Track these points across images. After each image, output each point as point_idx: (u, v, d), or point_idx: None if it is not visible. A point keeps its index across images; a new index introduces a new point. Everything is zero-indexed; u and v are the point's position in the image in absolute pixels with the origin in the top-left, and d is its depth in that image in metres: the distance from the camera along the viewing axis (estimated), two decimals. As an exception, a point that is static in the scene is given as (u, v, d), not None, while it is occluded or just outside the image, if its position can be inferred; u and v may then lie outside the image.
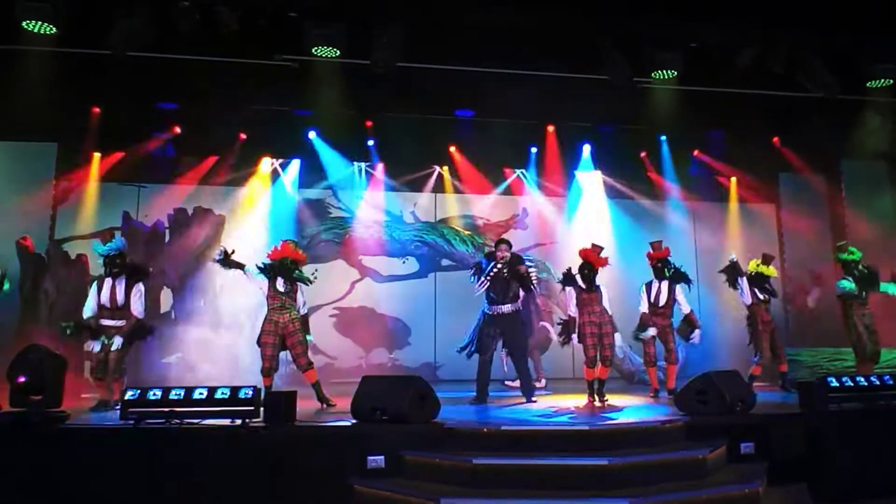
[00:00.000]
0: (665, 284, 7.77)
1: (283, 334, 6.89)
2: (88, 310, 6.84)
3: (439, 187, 11.64)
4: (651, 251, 7.96)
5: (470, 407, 6.80)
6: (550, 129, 10.89)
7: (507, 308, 7.19)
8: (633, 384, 9.80)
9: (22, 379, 5.25)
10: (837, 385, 5.88)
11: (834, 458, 5.39)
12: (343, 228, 11.26)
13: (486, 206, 11.79)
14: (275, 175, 11.17)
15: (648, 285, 7.89)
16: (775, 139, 10.99)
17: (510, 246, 7.49)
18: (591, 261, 7.42)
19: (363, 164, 11.36)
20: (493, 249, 7.53)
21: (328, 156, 10.92)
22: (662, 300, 7.75)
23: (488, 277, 7.22)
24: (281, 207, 11.13)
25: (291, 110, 9.81)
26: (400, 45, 7.65)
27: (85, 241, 10.23)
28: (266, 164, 11.09)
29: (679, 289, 7.77)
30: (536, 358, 8.90)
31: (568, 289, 7.46)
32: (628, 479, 4.69)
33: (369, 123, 10.42)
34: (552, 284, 11.24)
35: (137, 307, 6.89)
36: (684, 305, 7.74)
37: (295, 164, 11.17)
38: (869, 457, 5.47)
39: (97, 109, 9.57)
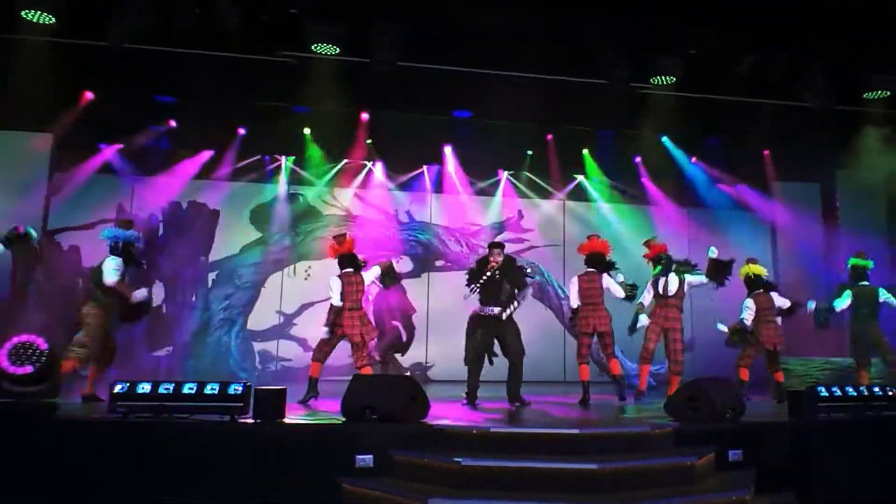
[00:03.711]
0: (672, 277, 7.57)
1: None
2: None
3: (435, 187, 11.66)
4: (648, 251, 7.80)
5: (460, 408, 6.79)
6: (548, 131, 10.90)
7: (497, 310, 7.15)
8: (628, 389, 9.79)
9: (29, 370, 5.23)
10: (827, 394, 5.89)
11: (822, 468, 5.40)
12: (338, 226, 11.24)
13: (482, 206, 11.81)
14: (271, 171, 11.17)
15: (655, 279, 7.63)
16: (771, 147, 11.05)
17: (503, 249, 7.40)
18: (599, 249, 7.63)
19: (360, 162, 11.36)
20: (487, 254, 7.37)
21: (324, 153, 10.91)
22: (672, 290, 7.54)
23: (479, 284, 7.11)
24: (276, 203, 11.12)
25: (289, 106, 9.79)
26: (401, 45, 7.65)
27: (78, 232, 10.23)
28: (262, 159, 11.09)
29: (689, 278, 7.64)
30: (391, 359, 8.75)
31: (572, 279, 7.62)
32: (617, 484, 4.68)
33: (367, 121, 10.42)
34: (546, 287, 11.28)
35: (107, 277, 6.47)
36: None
37: (291, 161, 11.16)
38: (857, 466, 5.48)
39: (93, 99, 9.53)
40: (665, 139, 11.04)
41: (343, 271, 7.24)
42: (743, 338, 7.85)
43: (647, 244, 7.96)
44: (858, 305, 7.72)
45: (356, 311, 7.14)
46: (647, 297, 7.66)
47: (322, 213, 11.35)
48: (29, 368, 5.23)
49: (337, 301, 7.12)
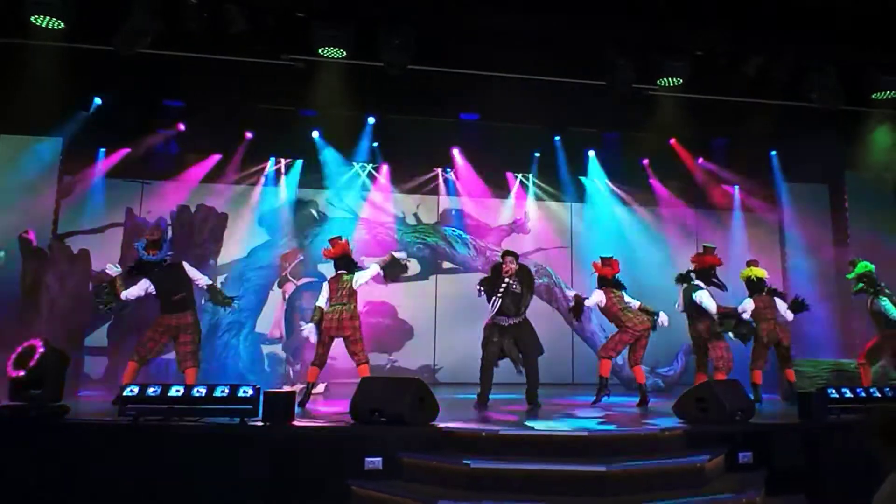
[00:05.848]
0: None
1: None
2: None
3: (442, 190, 11.66)
4: (705, 255, 7.82)
5: (469, 410, 6.79)
6: (555, 134, 10.88)
7: (515, 321, 7.16)
8: (633, 391, 9.77)
9: (21, 373, 5.25)
10: (837, 396, 5.88)
11: (832, 469, 5.38)
12: (345, 229, 11.24)
13: (489, 209, 11.80)
14: (278, 174, 11.19)
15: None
16: (779, 148, 11.00)
17: (517, 258, 7.42)
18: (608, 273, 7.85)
19: (367, 165, 11.38)
20: (500, 262, 7.42)
21: (332, 156, 10.93)
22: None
23: (499, 295, 7.12)
24: (284, 207, 11.14)
25: (296, 110, 9.80)
26: (412, 47, 7.65)
27: (88, 236, 10.27)
28: (270, 163, 11.11)
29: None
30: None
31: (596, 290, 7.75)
32: (626, 485, 4.69)
33: (374, 124, 10.43)
34: (553, 289, 11.25)
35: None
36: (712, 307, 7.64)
37: (298, 164, 11.18)
38: (867, 468, 5.45)
39: (102, 103, 9.58)
40: (672, 140, 11.00)
41: (335, 273, 7.38)
42: (737, 330, 7.61)
43: (707, 249, 7.95)
44: None
45: (341, 308, 7.16)
46: (714, 305, 7.54)
47: (330, 217, 11.37)
48: (22, 372, 5.26)
49: (320, 302, 7.32)
